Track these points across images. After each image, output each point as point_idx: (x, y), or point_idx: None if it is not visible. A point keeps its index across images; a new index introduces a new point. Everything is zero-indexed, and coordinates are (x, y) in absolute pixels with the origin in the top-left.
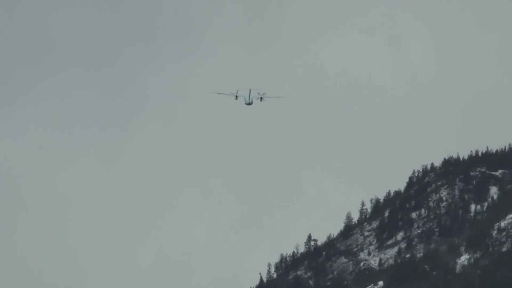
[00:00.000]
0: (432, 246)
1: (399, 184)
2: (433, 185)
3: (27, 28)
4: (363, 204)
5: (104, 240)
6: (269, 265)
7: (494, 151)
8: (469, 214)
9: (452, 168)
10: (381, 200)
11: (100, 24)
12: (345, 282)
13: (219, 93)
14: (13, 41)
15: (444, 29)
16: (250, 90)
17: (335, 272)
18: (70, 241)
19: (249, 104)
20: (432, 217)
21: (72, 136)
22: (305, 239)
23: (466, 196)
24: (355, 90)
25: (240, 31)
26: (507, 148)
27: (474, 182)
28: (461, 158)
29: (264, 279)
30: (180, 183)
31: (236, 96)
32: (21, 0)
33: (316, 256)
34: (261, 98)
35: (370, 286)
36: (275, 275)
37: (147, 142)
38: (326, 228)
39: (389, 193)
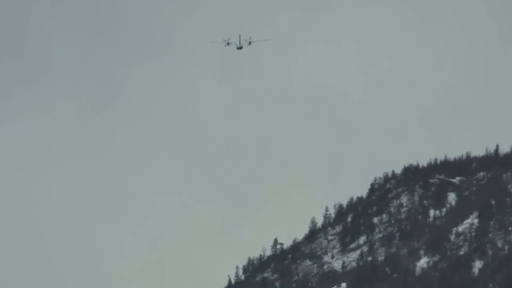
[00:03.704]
0: (393, 249)
1: (362, 190)
2: (394, 191)
3: (9, 34)
4: (327, 210)
5: (80, 246)
6: (237, 267)
7: (452, 159)
8: (428, 219)
9: (412, 175)
10: (344, 206)
11: (79, 30)
12: (310, 284)
13: (213, 42)
14: None
15: (407, 42)
16: (240, 35)
17: (300, 274)
18: (46, 248)
19: (240, 48)
20: (393, 222)
21: (51, 139)
22: (271, 242)
23: (425, 202)
24: (320, 101)
25: None
26: (464, 156)
27: (433, 188)
28: (420, 166)
29: (233, 281)
30: (151, 188)
31: (228, 43)
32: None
33: (282, 259)
34: (249, 42)
35: (333, 287)
36: (243, 277)
37: (127, 146)
38: (292, 232)
39: (351, 199)
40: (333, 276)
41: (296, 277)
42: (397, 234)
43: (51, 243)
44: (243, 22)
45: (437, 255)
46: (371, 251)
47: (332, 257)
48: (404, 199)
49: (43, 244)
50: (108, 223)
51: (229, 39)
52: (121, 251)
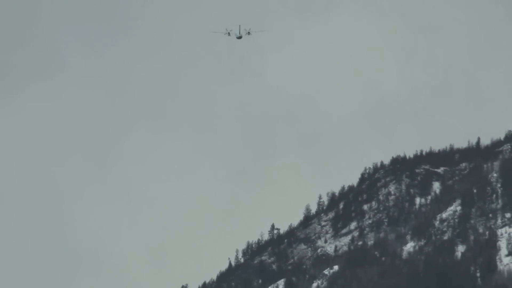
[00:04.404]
0: (381, 234)
1: (353, 179)
2: (383, 180)
3: (24, 33)
4: (320, 197)
5: (94, 228)
6: (237, 251)
7: (436, 151)
8: (414, 207)
9: (400, 166)
10: (336, 194)
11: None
12: (304, 266)
13: (215, 32)
14: (12, 45)
15: (395, 42)
16: (239, 26)
17: (296, 258)
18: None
19: (240, 38)
20: (381, 209)
21: (66, 130)
22: (269, 228)
23: (411, 190)
24: (315, 97)
25: None
26: (448, 148)
27: (419, 178)
28: (407, 157)
29: (233, 264)
30: (158, 177)
31: (229, 33)
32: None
33: (278, 243)
34: (248, 32)
35: (326, 270)
36: (242, 260)
37: (137, 139)
38: (288, 218)
39: (343, 187)
40: (326, 259)
41: (292, 260)
42: (386, 220)
43: (67, 223)
44: (242, 16)
45: (422, 240)
46: (361, 236)
47: (325, 241)
48: (392, 188)
49: (60, 223)
50: (119, 208)
51: (231, 30)
52: (130, 234)
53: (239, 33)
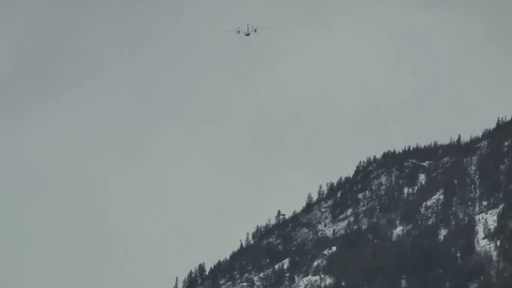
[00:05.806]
0: (374, 220)
1: (349, 171)
2: (375, 172)
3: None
4: (320, 187)
5: (127, 213)
6: (247, 233)
7: (422, 147)
8: (403, 195)
9: (390, 159)
10: (335, 184)
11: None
12: (306, 248)
13: (226, 31)
14: (57, 55)
15: (388, 49)
16: (248, 24)
17: (299, 240)
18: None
19: (248, 35)
20: (374, 197)
21: (102, 128)
22: (275, 213)
23: (400, 181)
24: (316, 99)
25: None
26: (432, 144)
27: (407, 170)
28: (397, 152)
29: (244, 245)
30: (181, 171)
31: (238, 31)
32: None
33: (284, 227)
34: (255, 30)
35: (325, 250)
36: (252, 242)
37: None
38: (292, 205)
39: (341, 178)
40: (326, 241)
41: (295, 242)
42: (378, 207)
43: (100, 208)
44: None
45: (410, 225)
46: (356, 221)
47: (325, 225)
48: (383, 179)
49: (95, 209)
50: (145, 195)
51: (238, 27)
52: (154, 218)
53: (247, 30)
